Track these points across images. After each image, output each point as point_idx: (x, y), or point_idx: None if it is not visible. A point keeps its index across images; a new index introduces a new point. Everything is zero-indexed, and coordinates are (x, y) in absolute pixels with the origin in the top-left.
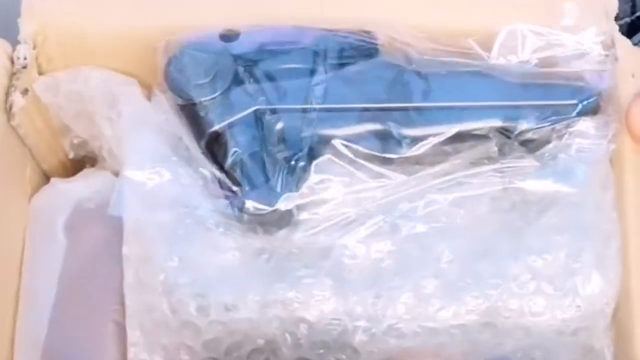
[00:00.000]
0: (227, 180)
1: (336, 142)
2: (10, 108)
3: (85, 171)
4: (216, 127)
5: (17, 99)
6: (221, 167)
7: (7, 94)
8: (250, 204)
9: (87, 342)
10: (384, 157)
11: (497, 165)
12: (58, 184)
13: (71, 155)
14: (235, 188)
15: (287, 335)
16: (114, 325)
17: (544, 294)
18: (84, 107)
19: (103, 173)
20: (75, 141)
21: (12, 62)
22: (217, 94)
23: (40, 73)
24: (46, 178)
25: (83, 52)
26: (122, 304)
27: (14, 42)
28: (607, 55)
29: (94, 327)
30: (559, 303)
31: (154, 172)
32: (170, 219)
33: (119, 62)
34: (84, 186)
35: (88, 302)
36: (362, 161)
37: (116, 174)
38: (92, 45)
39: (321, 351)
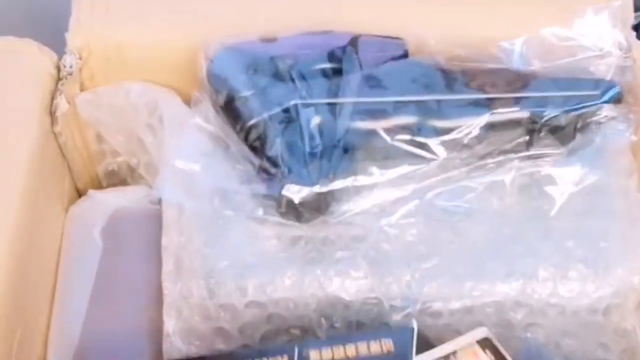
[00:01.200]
0: (266, 165)
1: (370, 134)
2: (55, 112)
3: (121, 187)
4: (255, 120)
5: (62, 103)
6: (259, 159)
7: (53, 98)
8: (288, 187)
9: (121, 338)
10: (417, 147)
11: (525, 153)
12: (96, 194)
13: (104, 183)
14: (273, 170)
15: (322, 319)
16: (148, 322)
17: (575, 272)
18: (124, 121)
19: (140, 186)
20: (110, 168)
21: (59, 70)
22: (256, 89)
23: (82, 90)
24: (80, 196)
25: (125, 68)
26: (158, 302)
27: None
28: (626, 57)
29: (129, 324)
30: (591, 280)
31: (195, 162)
32: (209, 207)
33: (159, 76)
34: (121, 196)
35: (123, 302)
36: (395, 151)
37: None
38: (133, 61)
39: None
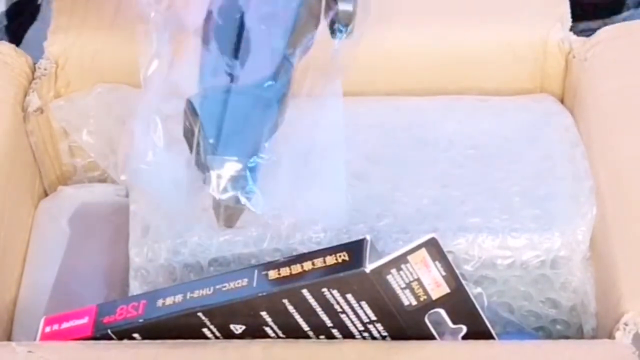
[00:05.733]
0: None
1: None
2: (27, 108)
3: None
4: None
5: (34, 100)
6: None
7: (26, 95)
8: None
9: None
10: None
11: None
12: (65, 189)
13: None
14: None
15: None
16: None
17: (522, 226)
18: (95, 120)
19: (108, 184)
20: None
21: (33, 71)
22: None
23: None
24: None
25: (100, 75)
26: (122, 282)
27: None
28: None
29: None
30: (537, 233)
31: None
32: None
33: (134, 85)
34: (90, 192)
35: (87, 283)
36: None
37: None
38: (108, 69)
39: None
